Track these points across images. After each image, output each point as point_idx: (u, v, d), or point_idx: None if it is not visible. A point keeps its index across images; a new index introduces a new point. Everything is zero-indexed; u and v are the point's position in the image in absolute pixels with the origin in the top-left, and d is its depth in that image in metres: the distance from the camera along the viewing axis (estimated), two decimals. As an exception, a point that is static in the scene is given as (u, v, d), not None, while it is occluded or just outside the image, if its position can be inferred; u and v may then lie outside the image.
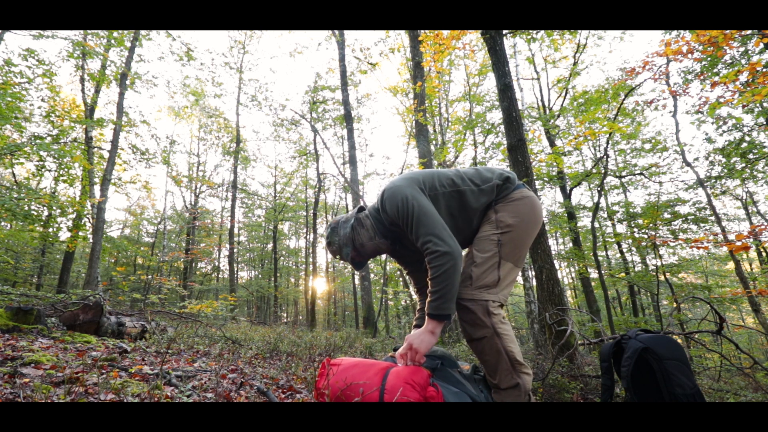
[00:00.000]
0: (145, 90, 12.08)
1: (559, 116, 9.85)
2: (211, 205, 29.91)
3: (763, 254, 11.12)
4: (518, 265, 1.49)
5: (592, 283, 9.88)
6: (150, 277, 15.03)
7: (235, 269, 20.44)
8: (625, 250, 12.69)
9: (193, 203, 19.01)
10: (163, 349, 2.98)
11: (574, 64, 9.64)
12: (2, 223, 10.38)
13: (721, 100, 6.50)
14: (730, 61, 7.52)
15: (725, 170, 8.79)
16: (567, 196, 9.95)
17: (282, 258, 21.58)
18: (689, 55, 6.13)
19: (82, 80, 10.82)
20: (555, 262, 3.20)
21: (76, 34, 9.28)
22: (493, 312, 1.37)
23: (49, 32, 8.16)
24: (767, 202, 12.71)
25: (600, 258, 10.21)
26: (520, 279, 10.98)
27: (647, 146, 10.76)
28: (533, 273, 3.49)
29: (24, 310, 3.25)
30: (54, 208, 8.04)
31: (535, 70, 11.41)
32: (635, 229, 10.55)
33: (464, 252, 1.53)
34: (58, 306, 4.77)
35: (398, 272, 13.13)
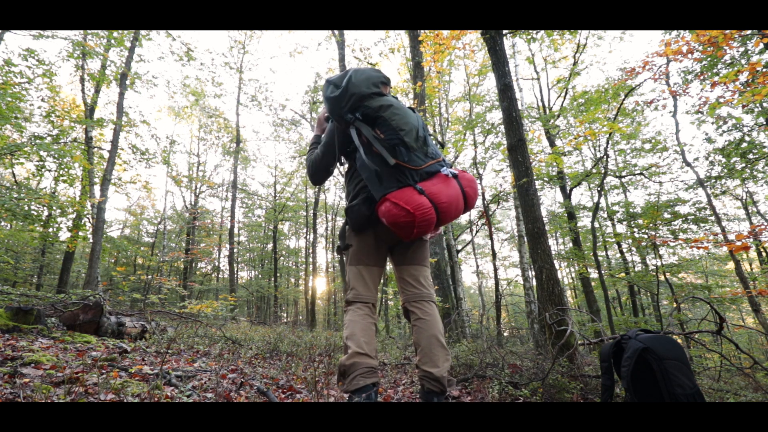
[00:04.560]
0: (145, 90, 12.07)
1: (559, 116, 9.84)
2: (211, 205, 29.89)
3: (763, 254, 11.11)
4: (362, 264, 1.74)
5: (592, 283, 9.87)
6: (150, 277, 15.02)
7: (235, 269, 20.42)
8: (625, 250, 12.67)
9: (193, 203, 18.99)
10: (163, 349, 2.99)
11: (574, 64, 9.63)
12: (2, 223, 10.38)
13: (721, 100, 6.49)
14: (730, 61, 7.50)
15: (725, 170, 8.77)
16: (567, 196, 9.94)
17: (282, 258, 21.56)
18: (689, 55, 6.13)
19: (82, 80, 10.80)
20: (555, 262, 3.19)
21: (76, 34, 9.25)
22: (346, 309, 1.72)
23: (49, 32, 8.15)
24: (767, 202, 12.67)
25: (600, 258, 10.20)
26: (520, 279, 10.97)
27: (647, 146, 10.72)
28: (533, 273, 3.49)
29: (24, 310, 3.25)
30: (54, 208, 8.03)
31: (535, 70, 11.40)
32: (635, 229, 10.54)
33: None
34: (58, 306, 4.77)
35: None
